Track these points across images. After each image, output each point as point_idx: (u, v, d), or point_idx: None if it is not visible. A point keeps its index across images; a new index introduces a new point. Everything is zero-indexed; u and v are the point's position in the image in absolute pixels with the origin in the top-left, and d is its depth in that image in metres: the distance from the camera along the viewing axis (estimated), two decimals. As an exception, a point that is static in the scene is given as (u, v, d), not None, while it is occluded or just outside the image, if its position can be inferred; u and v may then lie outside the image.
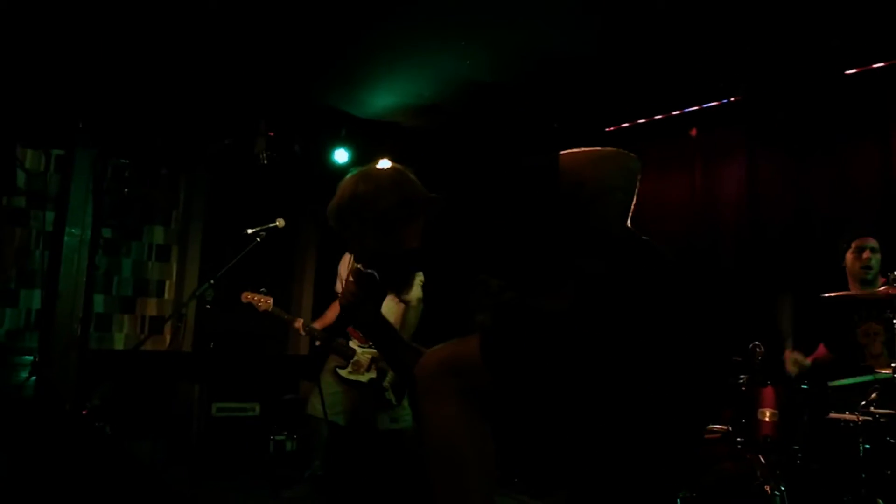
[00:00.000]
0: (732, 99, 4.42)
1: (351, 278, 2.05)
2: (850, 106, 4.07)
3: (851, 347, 3.62)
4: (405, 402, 4.25)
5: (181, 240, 6.05)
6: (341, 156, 5.42)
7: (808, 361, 3.64)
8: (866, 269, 3.56)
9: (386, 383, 4.14)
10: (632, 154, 1.67)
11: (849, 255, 3.63)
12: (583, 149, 1.68)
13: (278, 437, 5.45)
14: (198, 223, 6.02)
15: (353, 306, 2.03)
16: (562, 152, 1.66)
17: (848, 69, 4.02)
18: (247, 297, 4.31)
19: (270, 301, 4.31)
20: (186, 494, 4.23)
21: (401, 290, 2.12)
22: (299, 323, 4.31)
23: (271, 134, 5.09)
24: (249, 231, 4.14)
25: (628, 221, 1.70)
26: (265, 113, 5.10)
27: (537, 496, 4.42)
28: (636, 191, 1.68)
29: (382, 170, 1.98)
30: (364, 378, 4.16)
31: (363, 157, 5.55)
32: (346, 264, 4.46)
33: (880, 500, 2.91)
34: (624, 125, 5.05)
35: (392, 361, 2.17)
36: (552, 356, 1.67)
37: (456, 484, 1.76)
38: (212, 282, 4.05)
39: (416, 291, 4.14)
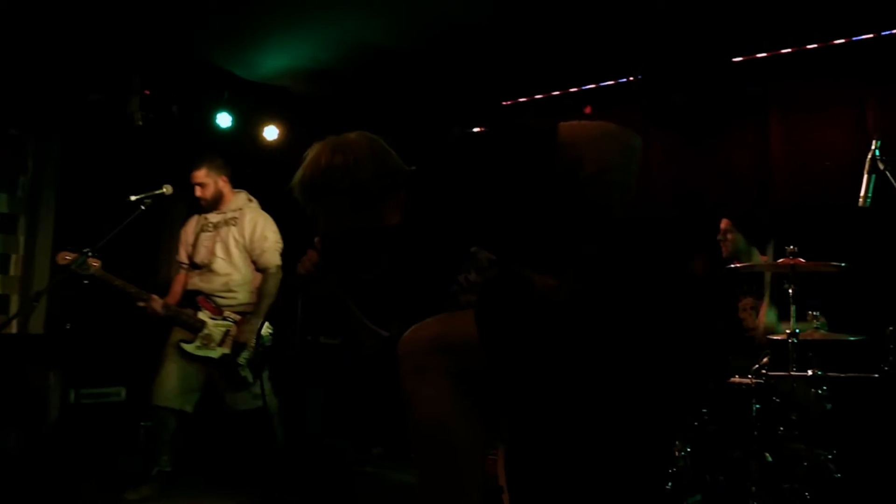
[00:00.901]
0: (630, 79, 4.58)
1: (316, 245, 1.90)
2: (737, 92, 4.35)
3: (733, 321, 3.90)
4: (265, 377, 3.96)
5: (30, 209, 5.36)
6: (224, 120, 5.04)
7: None
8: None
9: (241, 360, 3.81)
10: (632, 131, 1.65)
11: None
12: (583, 122, 1.64)
13: (148, 423, 5.06)
14: (51, 190, 5.37)
15: (313, 277, 1.90)
16: (561, 123, 1.61)
17: (735, 57, 4.28)
18: (65, 257, 3.65)
19: (97, 264, 3.69)
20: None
21: (371, 269, 1.99)
22: (157, 303, 3.80)
23: (147, 92, 4.61)
24: (133, 198, 3.75)
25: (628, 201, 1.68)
26: (140, 68, 4.60)
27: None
28: (636, 169, 1.65)
29: (358, 139, 1.85)
30: (215, 354, 3.81)
31: (247, 122, 5.22)
32: (191, 228, 4.10)
33: (768, 454, 3.16)
34: (521, 99, 5.08)
35: (350, 339, 2.06)
36: (551, 343, 1.65)
37: (447, 467, 1.69)
38: (89, 253, 3.62)
39: (274, 258, 3.94)
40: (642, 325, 1.69)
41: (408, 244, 1.85)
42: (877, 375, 3.14)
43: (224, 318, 3.87)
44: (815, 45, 4.17)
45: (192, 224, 4.11)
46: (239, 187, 4.18)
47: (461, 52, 4.62)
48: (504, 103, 5.13)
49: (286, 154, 5.42)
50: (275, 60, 4.68)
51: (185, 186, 4.19)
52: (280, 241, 4.04)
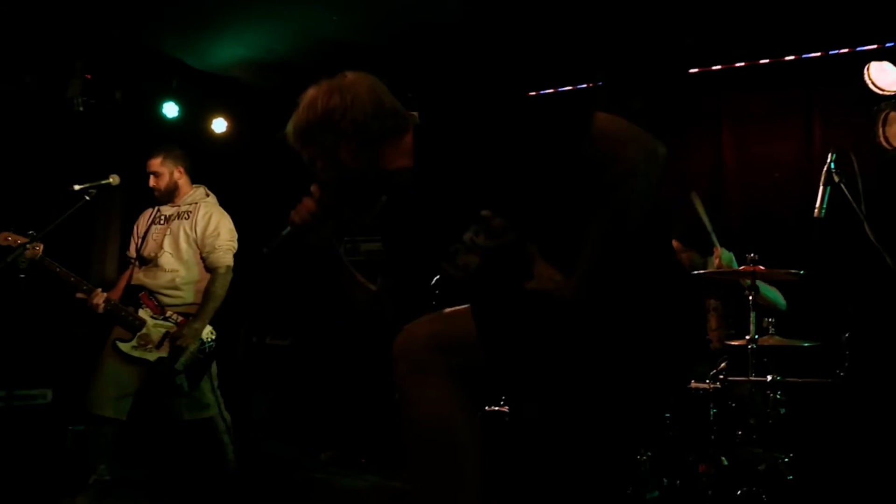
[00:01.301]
0: (589, 85, 4.63)
1: (313, 193, 1.81)
2: (692, 102, 4.46)
3: (698, 323, 3.97)
4: (207, 387, 3.72)
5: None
6: (170, 110, 4.81)
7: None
8: None
9: (179, 365, 3.58)
10: (658, 140, 1.63)
11: None
12: (619, 119, 1.61)
13: (78, 428, 4.76)
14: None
15: (309, 226, 1.82)
16: (599, 112, 1.58)
17: (692, 68, 4.39)
18: (6, 238, 3.39)
19: (39, 248, 3.42)
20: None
21: (369, 211, 1.93)
22: (100, 297, 3.53)
23: (88, 76, 4.34)
24: (77, 187, 3.49)
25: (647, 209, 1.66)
26: (82, 50, 4.33)
27: (387, 476, 4.35)
28: (659, 179, 1.64)
29: (356, 79, 1.78)
30: (152, 357, 3.56)
31: (195, 113, 5.00)
32: (143, 221, 3.88)
33: (724, 458, 3.22)
34: (479, 101, 5.05)
35: (341, 294, 1.97)
36: (549, 344, 1.65)
37: (449, 468, 1.64)
38: (27, 245, 3.36)
39: (224, 258, 3.73)
40: (640, 335, 1.71)
41: (414, 191, 1.78)
42: (830, 380, 3.26)
43: (165, 319, 3.64)
44: (767, 61, 4.33)
45: (145, 216, 3.89)
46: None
47: (419, 50, 4.58)
48: (462, 104, 5.09)
49: (234, 148, 5.24)
50: (228, 50, 4.51)
51: (126, 178, 3.96)
52: (234, 241, 3.82)
